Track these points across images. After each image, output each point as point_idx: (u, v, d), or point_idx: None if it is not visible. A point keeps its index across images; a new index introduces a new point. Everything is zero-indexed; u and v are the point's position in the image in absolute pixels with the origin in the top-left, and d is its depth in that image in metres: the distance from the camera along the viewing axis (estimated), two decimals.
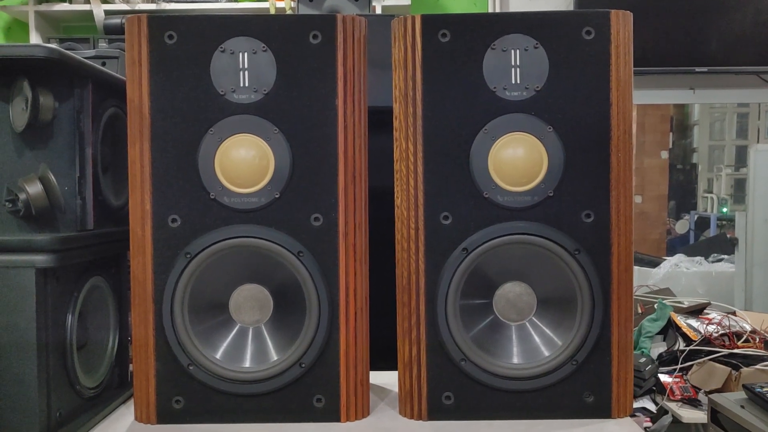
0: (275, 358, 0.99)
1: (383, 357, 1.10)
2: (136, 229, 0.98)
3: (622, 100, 0.99)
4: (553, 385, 0.99)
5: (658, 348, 2.19)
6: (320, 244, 0.98)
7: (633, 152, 1.01)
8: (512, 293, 1.01)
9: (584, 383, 1.00)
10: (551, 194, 0.99)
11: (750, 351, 2.00)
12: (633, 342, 1.01)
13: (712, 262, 3.17)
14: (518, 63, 0.98)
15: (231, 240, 0.97)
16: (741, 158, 6.09)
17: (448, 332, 0.99)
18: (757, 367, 1.93)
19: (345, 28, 0.98)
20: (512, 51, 0.98)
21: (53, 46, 0.87)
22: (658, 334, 2.25)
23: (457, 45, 0.98)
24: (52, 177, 0.90)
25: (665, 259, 3.43)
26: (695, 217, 5.27)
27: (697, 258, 3.10)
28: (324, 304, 0.98)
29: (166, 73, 0.97)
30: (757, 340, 2.13)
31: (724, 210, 5.08)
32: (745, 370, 1.92)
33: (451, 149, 0.99)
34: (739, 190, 5.59)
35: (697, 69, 2.58)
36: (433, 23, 0.98)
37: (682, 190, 6.47)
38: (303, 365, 0.98)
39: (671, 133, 5.79)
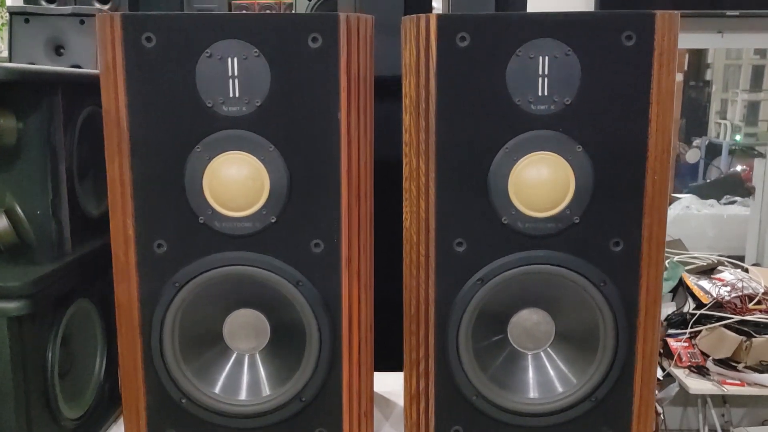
0: (274, 390, 0.92)
1: (387, 355, 1.04)
2: (119, 254, 0.89)
3: (662, 116, 0.87)
4: (570, 420, 0.94)
5: (667, 308, 2.14)
6: (321, 271, 0.90)
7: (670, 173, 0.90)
8: (529, 321, 0.94)
9: (603, 418, 0.94)
10: (577, 221, 0.89)
11: (762, 318, 1.94)
12: (656, 374, 0.95)
13: (725, 204, 3.09)
14: (547, 72, 0.86)
15: (223, 269, 0.89)
16: (758, 79, 5.86)
17: (460, 368, 0.91)
18: None
19: (348, 29, 0.85)
20: (540, 58, 0.86)
21: (11, 65, 0.75)
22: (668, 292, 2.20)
23: (477, 50, 0.86)
24: (19, 210, 0.81)
25: (676, 198, 3.35)
26: (706, 142, 5.12)
27: (710, 201, 3.01)
28: (325, 335, 0.90)
29: (146, 81, 0.85)
30: None
31: (737, 138, 4.93)
32: (756, 340, 1.88)
33: (468, 169, 0.88)
34: (752, 114, 5.41)
35: (728, 12, 2.38)
36: (450, 24, 0.85)
37: (694, 109, 6.28)
38: (303, 399, 0.92)
39: (687, 53, 5.54)
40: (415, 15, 0.86)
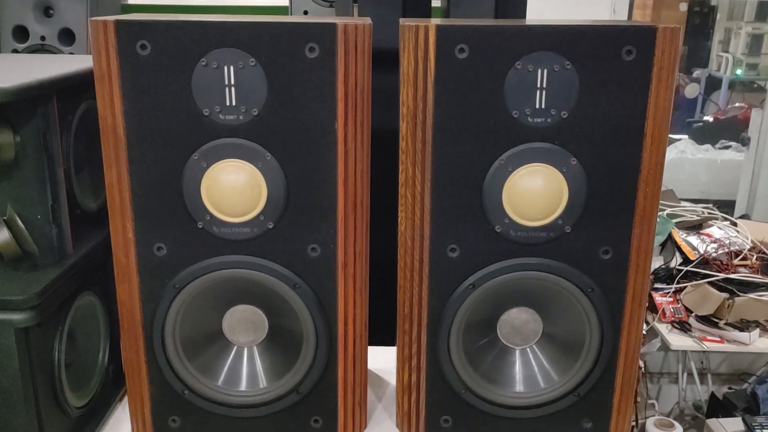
0: (272, 382, 0.97)
1: (380, 328, 1.09)
2: (120, 256, 0.91)
3: (657, 130, 0.88)
4: (554, 413, 0.99)
5: (655, 262, 2.18)
6: (318, 275, 0.92)
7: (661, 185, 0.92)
8: (518, 320, 0.97)
9: (584, 410, 0.99)
10: (568, 230, 0.91)
11: (747, 277, 1.99)
12: (637, 370, 0.99)
13: (720, 148, 3.09)
14: (545, 85, 0.86)
15: (221, 272, 0.91)
16: (763, 9, 5.71)
17: (450, 364, 0.96)
18: (751, 296, 1.93)
19: (346, 39, 0.84)
20: (539, 71, 0.85)
21: (6, 86, 0.75)
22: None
23: (476, 62, 0.85)
24: (20, 222, 0.82)
25: (672, 140, 3.34)
26: (706, 75, 5.05)
27: (705, 146, 3.00)
28: (322, 335, 0.94)
29: (141, 89, 0.85)
30: (755, 258, 2.13)
31: (738, 72, 4.85)
32: (738, 299, 1.93)
33: (463, 178, 0.89)
34: (755, 47, 5.31)
35: None
36: (449, 36, 0.84)
37: (696, 35, 6.14)
38: (300, 392, 0.96)
39: None
40: (413, 24, 0.84)
